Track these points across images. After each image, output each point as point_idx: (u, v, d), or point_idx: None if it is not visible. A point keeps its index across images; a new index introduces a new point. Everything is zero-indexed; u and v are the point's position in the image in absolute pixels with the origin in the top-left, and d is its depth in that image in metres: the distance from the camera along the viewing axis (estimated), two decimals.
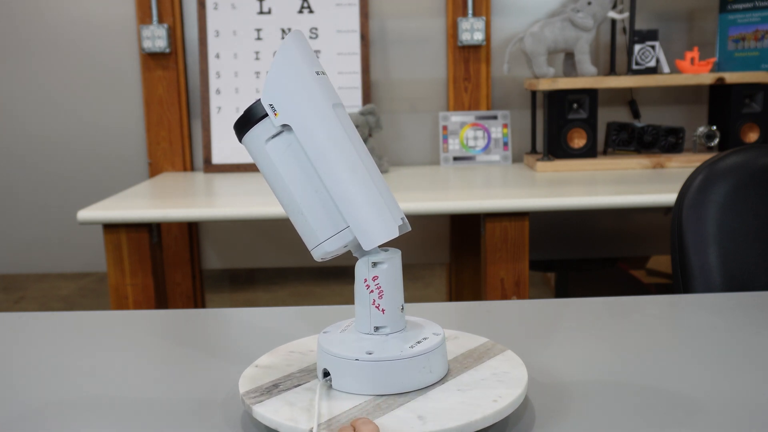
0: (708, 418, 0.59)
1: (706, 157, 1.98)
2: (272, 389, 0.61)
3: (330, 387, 0.60)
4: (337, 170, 0.59)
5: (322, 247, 0.61)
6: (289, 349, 0.69)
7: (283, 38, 2.13)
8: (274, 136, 0.60)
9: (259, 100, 0.60)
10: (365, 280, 0.61)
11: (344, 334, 0.63)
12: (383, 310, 0.61)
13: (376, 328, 0.62)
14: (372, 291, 0.61)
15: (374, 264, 0.61)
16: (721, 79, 1.98)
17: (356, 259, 0.62)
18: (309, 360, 0.66)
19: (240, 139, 0.62)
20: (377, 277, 0.61)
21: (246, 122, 0.61)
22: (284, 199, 0.62)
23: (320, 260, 0.62)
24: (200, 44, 2.13)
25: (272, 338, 0.80)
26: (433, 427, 0.54)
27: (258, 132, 0.60)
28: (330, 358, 0.60)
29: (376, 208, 0.60)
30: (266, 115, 0.60)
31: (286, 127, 0.60)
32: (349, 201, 0.59)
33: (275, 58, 0.60)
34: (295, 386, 0.61)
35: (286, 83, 0.59)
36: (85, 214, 1.58)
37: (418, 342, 0.61)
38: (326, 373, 0.61)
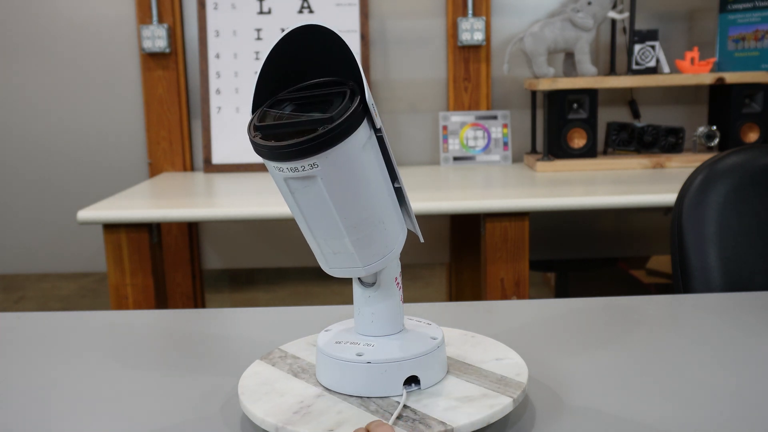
0: (708, 418, 0.59)
1: (706, 157, 1.98)
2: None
3: (419, 389, 0.59)
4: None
5: (394, 252, 0.57)
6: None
7: None
8: (366, 142, 0.51)
9: (359, 102, 0.50)
10: (396, 279, 0.60)
11: (383, 342, 0.60)
12: (403, 302, 0.62)
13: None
14: (400, 288, 0.61)
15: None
16: (721, 79, 1.98)
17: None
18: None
19: (304, 156, 0.48)
20: (401, 272, 0.61)
21: (346, 130, 0.49)
22: (358, 215, 0.53)
23: (370, 273, 0.56)
24: (200, 44, 2.13)
25: (272, 338, 0.80)
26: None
27: (355, 140, 0.50)
28: (416, 362, 0.58)
29: None
30: (363, 119, 0.50)
31: (375, 130, 0.53)
32: (408, 199, 0.59)
33: (354, 56, 0.51)
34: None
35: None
36: (85, 214, 1.58)
37: (428, 323, 0.64)
38: (411, 381, 0.59)
